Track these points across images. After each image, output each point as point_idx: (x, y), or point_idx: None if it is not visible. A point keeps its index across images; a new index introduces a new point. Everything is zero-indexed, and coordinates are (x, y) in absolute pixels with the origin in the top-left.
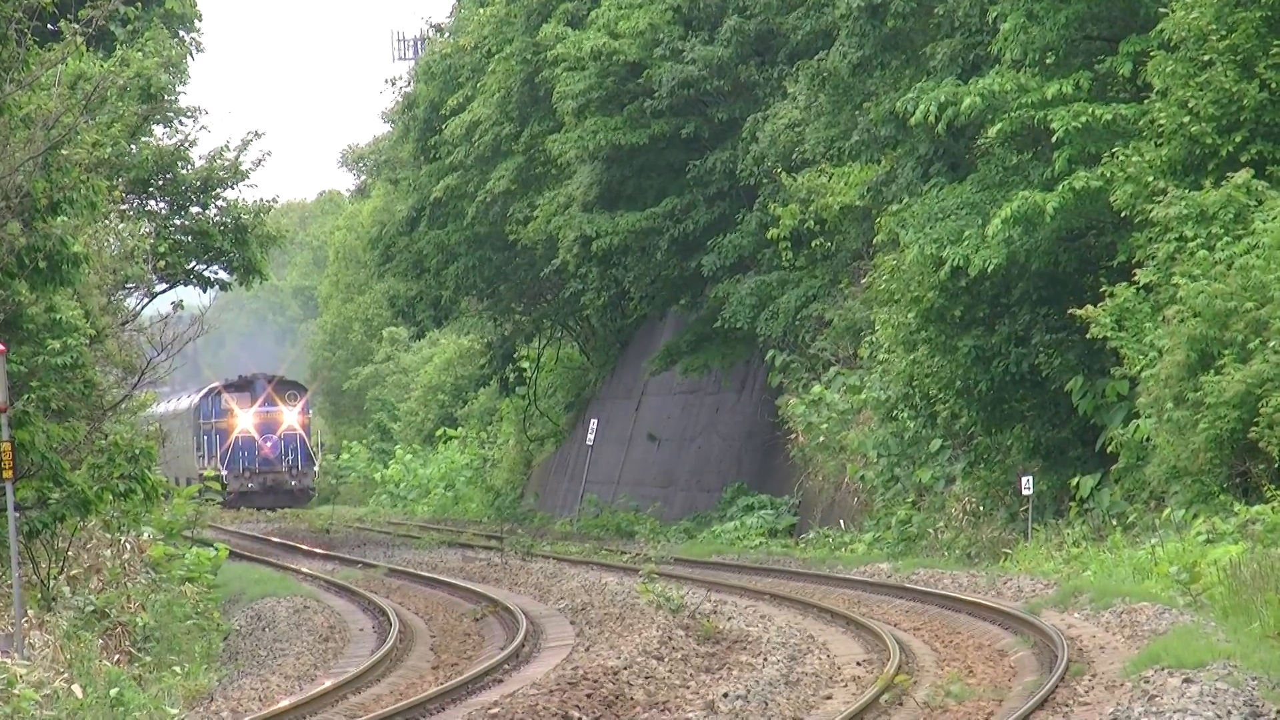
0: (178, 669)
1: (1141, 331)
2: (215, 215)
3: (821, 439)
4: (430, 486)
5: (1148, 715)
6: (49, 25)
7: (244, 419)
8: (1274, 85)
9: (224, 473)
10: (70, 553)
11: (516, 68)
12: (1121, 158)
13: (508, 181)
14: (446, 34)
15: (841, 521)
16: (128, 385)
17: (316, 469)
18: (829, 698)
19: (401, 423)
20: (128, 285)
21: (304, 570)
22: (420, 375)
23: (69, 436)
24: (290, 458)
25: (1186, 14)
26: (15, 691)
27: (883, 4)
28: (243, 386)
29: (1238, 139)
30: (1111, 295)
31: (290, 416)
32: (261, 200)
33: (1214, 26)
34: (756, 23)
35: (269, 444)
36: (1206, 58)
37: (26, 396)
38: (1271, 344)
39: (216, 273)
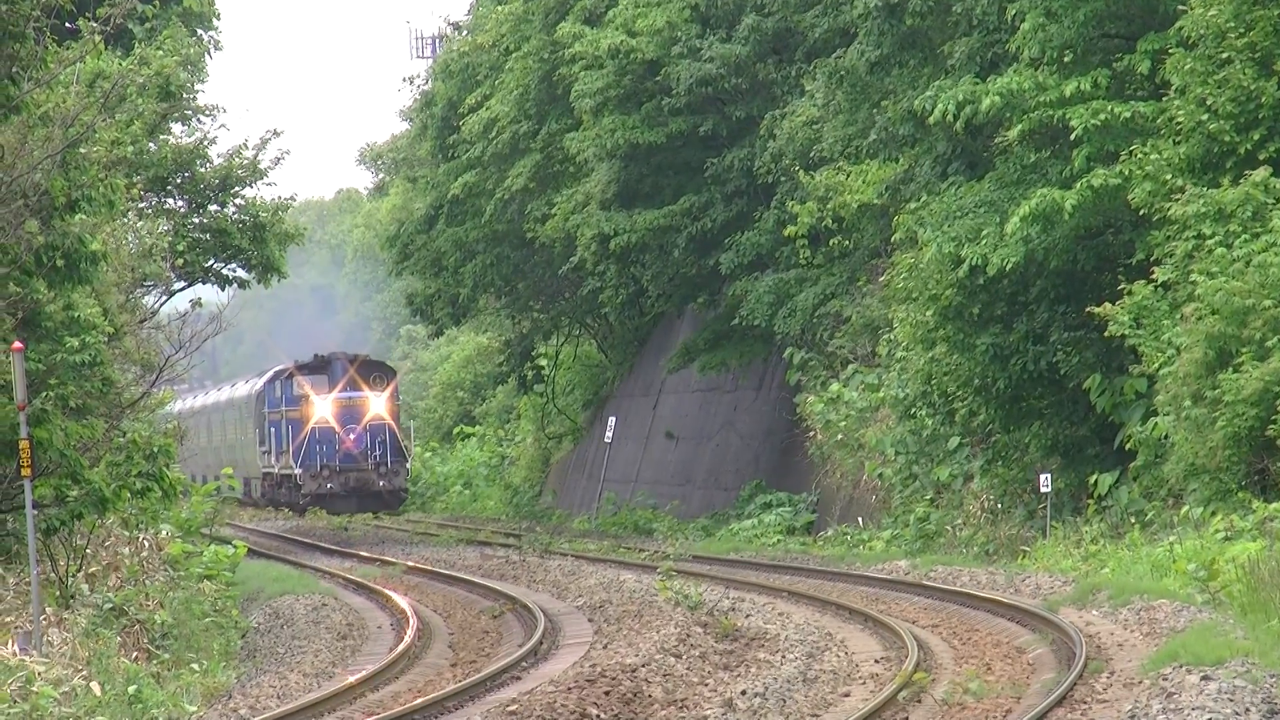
0: (196, 666)
1: (1159, 329)
2: (234, 213)
3: (840, 437)
4: (448, 484)
5: (1166, 713)
6: (67, 24)
7: (321, 406)
8: None
9: (297, 471)
10: (88, 550)
11: (534, 66)
12: (1140, 155)
13: (525, 179)
14: (464, 32)
15: (859, 519)
16: (146, 383)
17: (409, 466)
18: (847, 695)
19: (419, 420)
20: (146, 283)
21: (322, 568)
22: (438, 373)
23: (87, 434)
24: (378, 452)
25: (1205, 11)
26: (34, 689)
27: (901, 2)
28: (319, 368)
29: (1256, 136)
30: (1129, 293)
31: (377, 403)
32: (280, 198)
33: (1232, 24)
34: (774, 21)
35: (352, 436)
36: (1225, 55)
37: (45, 394)
38: None
39: (235, 271)
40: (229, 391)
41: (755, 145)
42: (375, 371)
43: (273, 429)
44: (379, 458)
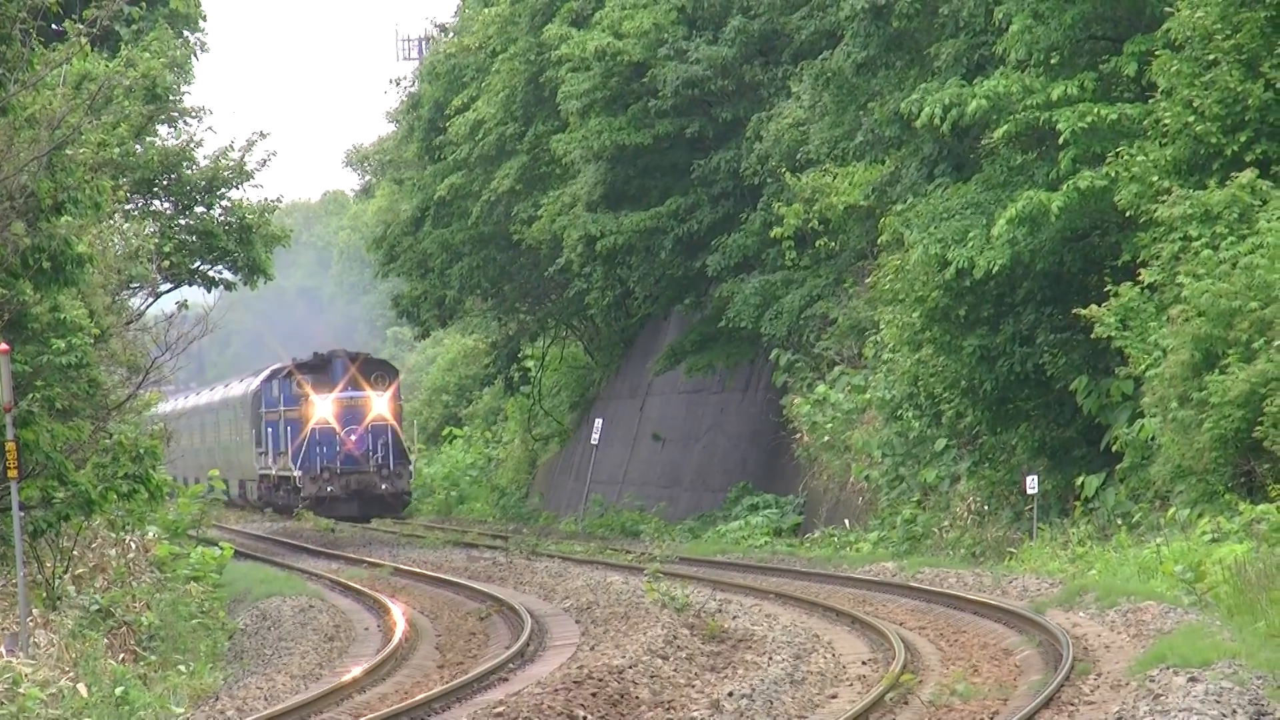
0: (183, 668)
1: (1146, 331)
2: (220, 215)
3: (826, 438)
4: (435, 485)
5: (1153, 714)
6: (53, 25)
7: (322, 407)
8: (1279, 85)
9: (296, 473)
10: (75, 552)
11: (521, 67)
12: (1126, 157)
13: (512, 181)
14: (451, 33)
15: (846, 521)
16: (132, 385)
17: (413, 469)
18: (834, 697)
19: (404, 422)
20: (132, 285)
21: (309, 570)
22: (425, 375)
23: (74, 436)
24: (380, 454)
25: (1191, 13)
26: (21, 690)
27: (887, 4)
28: (319, 366)
29: (1242, 138)
30: (1116, 295)
31: (379, 404)
32: (266, 200)
33: (1219, 26)
34: (761, 22)
35: (353, 437)
36: (1211, 57)
37: (31, 396)
38: (1276, 343)
39: (221, 272)
40: (223, 391)
41: (742, 147)
42: (377, 370)
43: (270, 430)
44: (381, 459)
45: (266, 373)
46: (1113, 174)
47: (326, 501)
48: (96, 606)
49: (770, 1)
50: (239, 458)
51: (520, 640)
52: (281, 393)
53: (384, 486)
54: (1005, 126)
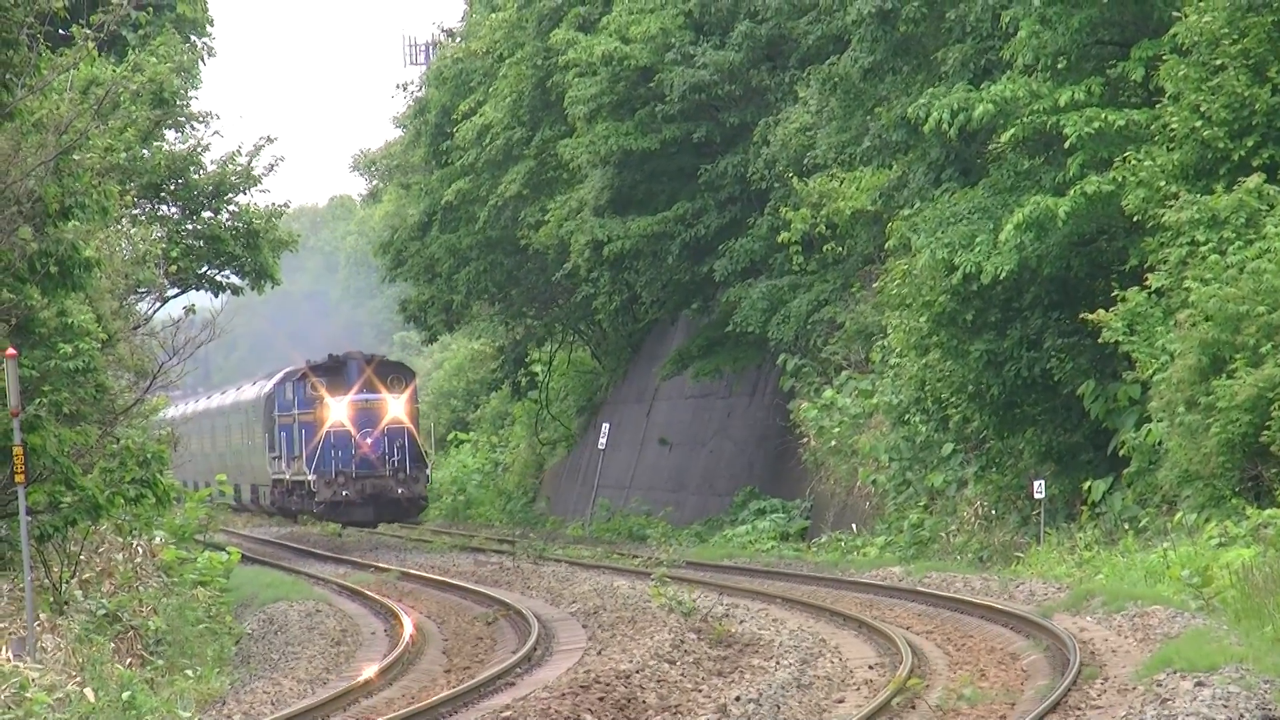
0: (190, 672)
1: (1153, 336)
2: (227, 220)
3: (833, 443)
4: (442, 490)
5: (1160, 719)
6: (60, 30)
7: (337, 410)
8: None
9: (311, 477)
10: (82, 556)
11: (528, 72)
12: (1133, 162)
13: (519, 186)
14: (458, 39)
15: (853, 525)
16: (139, 390)
17: (429, 473)
18: (841, 701)
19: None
20: (139, 290)
21: (316, 574)
22: (432, 380)
23: (80, 441)
24: (396, 458)
25: (1198, 18)
26: (28, 695)
27: (894, 9)
28: (334, 369)
29: (1249, 143)
30: (1123, 300)
31: (395, 406)
32: (273, 205)
33: (1226, 31)
34: (768, 27)
35: (369, 441)
36: (1218, 62)
37: (38, 401)
38: None
39: (228, 277)
40: (234, 395)
41: (749, 152)
42: (393, 372)
43: (284, 433)
44: (397, 463)
45: (280, 375)
46: (1120, 179)
47: (341, 506)
48: (103, 611)
49: (777, 6)
50: (251, 462)
51: (527, 645)
52: (295, 396)
53: (400, 490)
54: (1012, 131)
